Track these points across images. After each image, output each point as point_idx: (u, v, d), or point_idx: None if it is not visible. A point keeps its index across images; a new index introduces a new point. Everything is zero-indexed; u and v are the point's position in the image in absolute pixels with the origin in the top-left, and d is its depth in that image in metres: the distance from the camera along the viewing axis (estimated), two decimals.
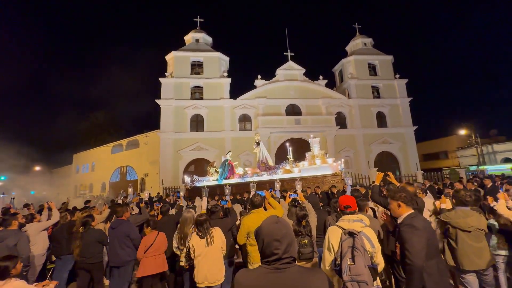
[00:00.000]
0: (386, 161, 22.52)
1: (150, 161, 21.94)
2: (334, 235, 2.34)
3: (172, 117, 20.78)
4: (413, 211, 2.40)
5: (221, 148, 20.90)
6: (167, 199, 10.32)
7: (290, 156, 10.94)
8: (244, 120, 22.08)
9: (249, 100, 22.03)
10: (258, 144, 11.57)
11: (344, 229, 2.33)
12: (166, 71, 22.00)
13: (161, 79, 21.42)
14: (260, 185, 9.30)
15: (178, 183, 18.05)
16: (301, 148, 18.95)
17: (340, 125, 22.14)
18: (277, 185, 7.96)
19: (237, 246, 3.87)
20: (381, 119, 23.47)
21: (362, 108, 22.92)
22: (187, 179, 12.25)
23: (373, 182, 3.79)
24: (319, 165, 10.13)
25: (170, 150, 20.20)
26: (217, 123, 21.33)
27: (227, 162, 11.73)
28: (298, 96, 22.64)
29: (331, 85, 26.40)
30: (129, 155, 24.01)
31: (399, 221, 2.39)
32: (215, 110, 21.51)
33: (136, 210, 5.65)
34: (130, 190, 9.11)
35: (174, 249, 3.64)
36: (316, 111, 22.54)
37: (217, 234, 3.23)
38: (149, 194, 15.53)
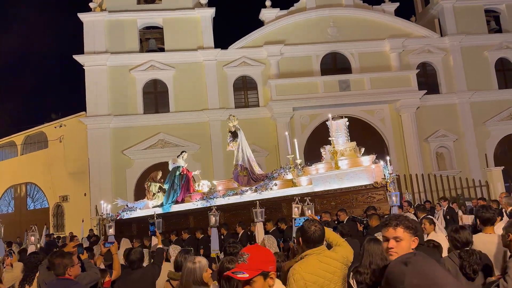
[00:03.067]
0: None
1: (72, 172, 21.91)
2: None
3: (107, 87, 20.50)
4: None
5: (203, 140, 20.57)
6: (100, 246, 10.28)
7: (296, 154, 11.17)
8: (244, 87, 21.82)
9: (252, 50, 21.54)
10: (234, 135, 12.02)
11: None
12: (91, 0, 22.05)
13: (81, 16, 20.93)
14: (240, 211, 9.58)
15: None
16: (352, 134, 18.32)
17: (427, 89, 21.73)
18: (309, 212, 8.27)
19: None
20: (505, 73, 22.68)
21: (467, 53, 22.37)
22: (105, 206, 13.03)
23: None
24: (346, 169, 10.39)
25: (107, 150, 19.97)
26: (193, 96, 20.96)
27: (178, 173, 12.23)
28: (345, 36, 21.96)
29: (406, 12, 25.54)
30: (31, 162, 24.28)
31: None
32: (188, 72, 21.09)
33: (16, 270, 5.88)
34: None
35: None
36: (380, 63, 21.84)
37: None
38: (70, 234, 15.15)
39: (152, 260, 5.93)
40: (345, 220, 8.23)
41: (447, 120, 21.70)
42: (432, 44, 22.32)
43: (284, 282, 3.41)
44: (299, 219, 4.59)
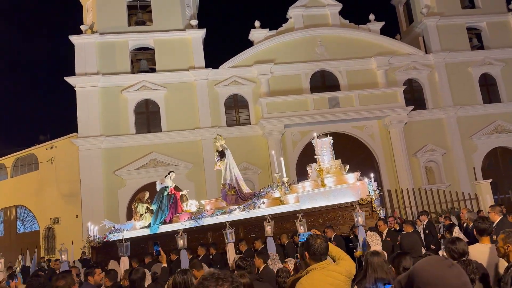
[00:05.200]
0: (505, 165, 22.28)
1: (64, 193, 21.80)
2: None
3: (98, 108, 20.58)
4: None
5: (196, 159, 20.63)
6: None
7: (283, 172, 11.24)
8: (235, 105, 22.11)
9: (242, 69, 21.88)
10: (222, 155, 12.18)
11: None
12: (82, 23, 22.23)
13: (73, 38, 21.12)
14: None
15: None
16: (343, 150, 18.63)
17: (414, 104, 22.17)
18: (268, 228, 8.37)
19: None
20: (488, 89, 23.26)
21: (452, 69, 22.92)
22: (92, 228, 12.89)
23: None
24: (332, 186, 10.47)
25: (99, 171, 19.91)
26: (184, 115, 21.16)
27: (165, 193, 12.23)
28: (332, 54, 22.47)
29: (391, 30, 26.01)
30: (21, 185, 24.12)
31: None
32: (179, 91, 21.31)
33: None
34: None
35: None
36: (367, 80, 22.31)
37: None
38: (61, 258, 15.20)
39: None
40: (332, 237, 8.40)
41: (435, 134, 22.04)
42: (418, 61, 22.81)
43: None
44: (303, 234, 4.74)
